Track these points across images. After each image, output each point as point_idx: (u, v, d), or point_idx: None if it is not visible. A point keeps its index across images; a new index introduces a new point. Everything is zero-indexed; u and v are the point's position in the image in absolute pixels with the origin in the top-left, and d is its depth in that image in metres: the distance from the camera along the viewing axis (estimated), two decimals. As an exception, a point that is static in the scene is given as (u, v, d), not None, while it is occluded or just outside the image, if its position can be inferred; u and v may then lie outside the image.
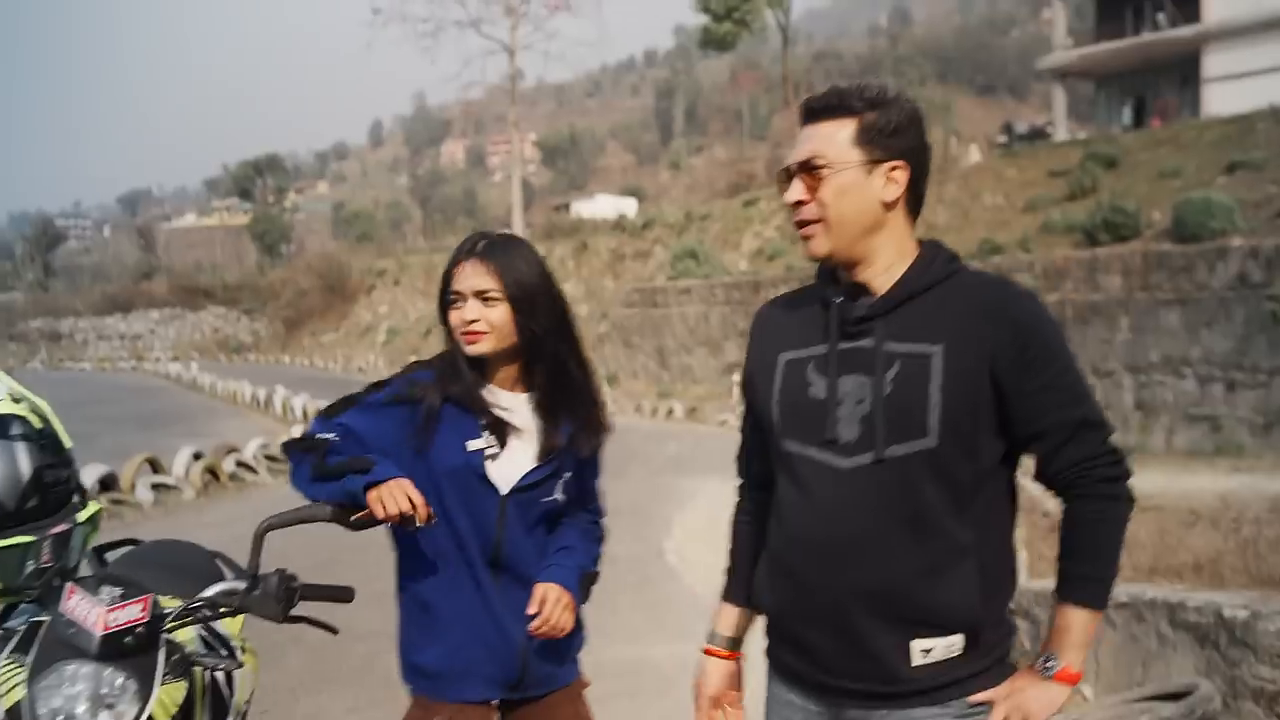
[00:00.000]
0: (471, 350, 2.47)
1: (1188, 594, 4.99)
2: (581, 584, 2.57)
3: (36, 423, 2.30)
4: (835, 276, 2.15)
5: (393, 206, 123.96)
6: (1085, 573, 2.04)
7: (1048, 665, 2.02)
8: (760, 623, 2.28)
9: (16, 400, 2.31)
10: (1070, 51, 39.01)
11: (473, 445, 2.50)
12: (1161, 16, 36.46)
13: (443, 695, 2.52)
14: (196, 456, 14.25)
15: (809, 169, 2.06)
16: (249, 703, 2.63)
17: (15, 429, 2.24)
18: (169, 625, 2.24)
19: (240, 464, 14.83)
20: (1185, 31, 34.73)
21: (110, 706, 2.07)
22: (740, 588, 2.32)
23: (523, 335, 2.48)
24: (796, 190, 2.08)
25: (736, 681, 2.30)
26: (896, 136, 2.05)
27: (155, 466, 13.76)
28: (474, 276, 2.47)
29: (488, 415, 2.51)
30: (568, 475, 2.59)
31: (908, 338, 2.02)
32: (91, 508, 2.35)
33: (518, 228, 59.95)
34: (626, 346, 32.51)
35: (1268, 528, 6.29)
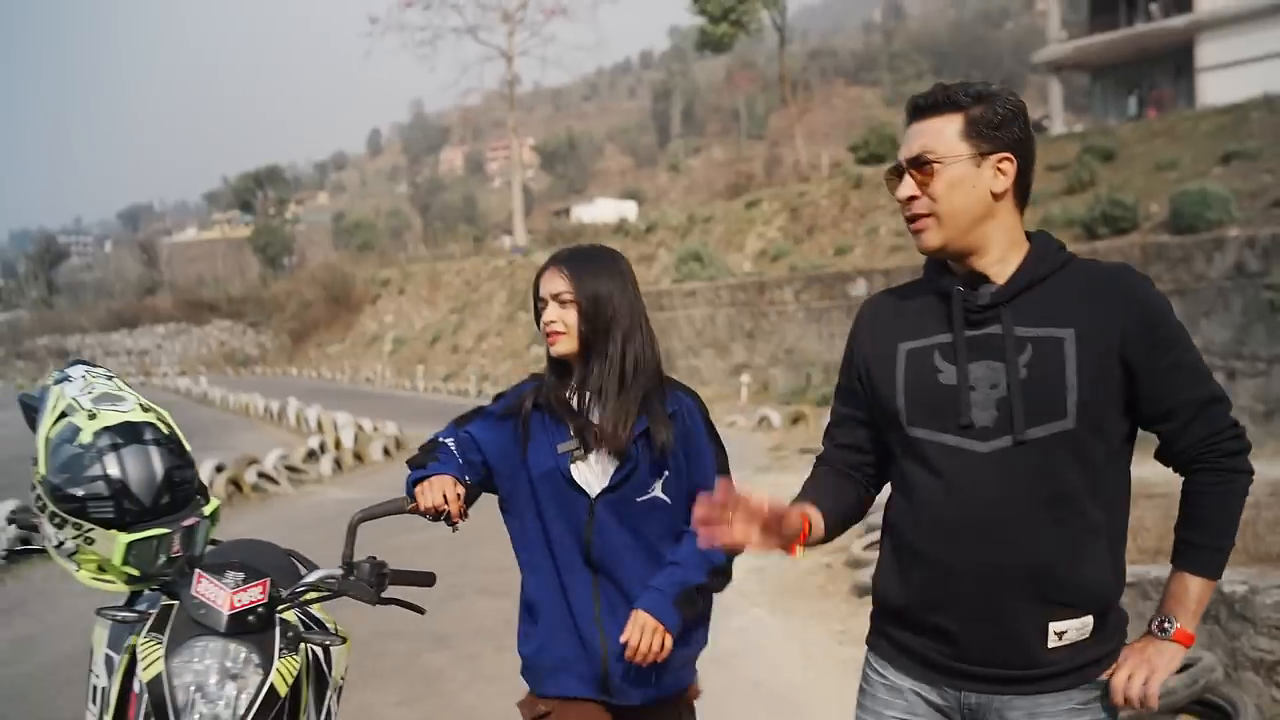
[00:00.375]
0: (554, 350, 2.63)
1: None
2: (680, 602, 2.58)
3: (164, 429, 2.57)
4: (946, 268, 2.21)
5: (393, 215, 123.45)
6: (1206, 542, 2.09)
7: (1164, 627, 2.08)
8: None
9: (146, 409, 2.59)
10: (1065, 44, 39.10)
11: (562, 449, 2.62)
12: (1154, 7, 36.86)
13: (542, 688, 2.66)
14: (219, 469, 14.49)
15: (919, 164, 2.12)
16: (344, 678, 2.89)
17: (148, 434, 2.50)
18: (282, 606, 2.53)
19: (262, 475, 15.04)
20: (1178, 21, 35.03)
21: (235, 678, 2.33)
22: (807, 494, 2.28)
23: (585, 337, 2.61)
24: (909, 186, 2.14)
25: (782, 524, 2.07)
26: (1002, 129, 2.10)
27: (179, 480, 14.01)
28: (551, 281, 2.63)
29: (572, 418, 2.62)
30: (666, 475, 2.63)
31: (1036, 323, 2.07)
32: (213, 504, 2.63)
33: (519, 233, 60.25)
34: (633, 349, 32.08)
35: (1266, 510, 6.49)
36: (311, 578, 2.60)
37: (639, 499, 2.61)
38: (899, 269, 22.84)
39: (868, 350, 2.27)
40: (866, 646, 2.31)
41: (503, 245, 66.52)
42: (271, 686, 2.36)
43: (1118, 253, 17.47)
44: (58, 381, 2.64)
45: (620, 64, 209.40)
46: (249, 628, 2.40)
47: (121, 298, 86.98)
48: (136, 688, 2.39)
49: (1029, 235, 2.18)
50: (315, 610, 2.93)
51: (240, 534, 9.73)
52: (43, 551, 2.59)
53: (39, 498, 2.45)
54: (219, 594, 2.39)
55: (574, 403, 2.66)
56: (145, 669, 2.32)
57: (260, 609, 2.42)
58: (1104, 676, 2.09)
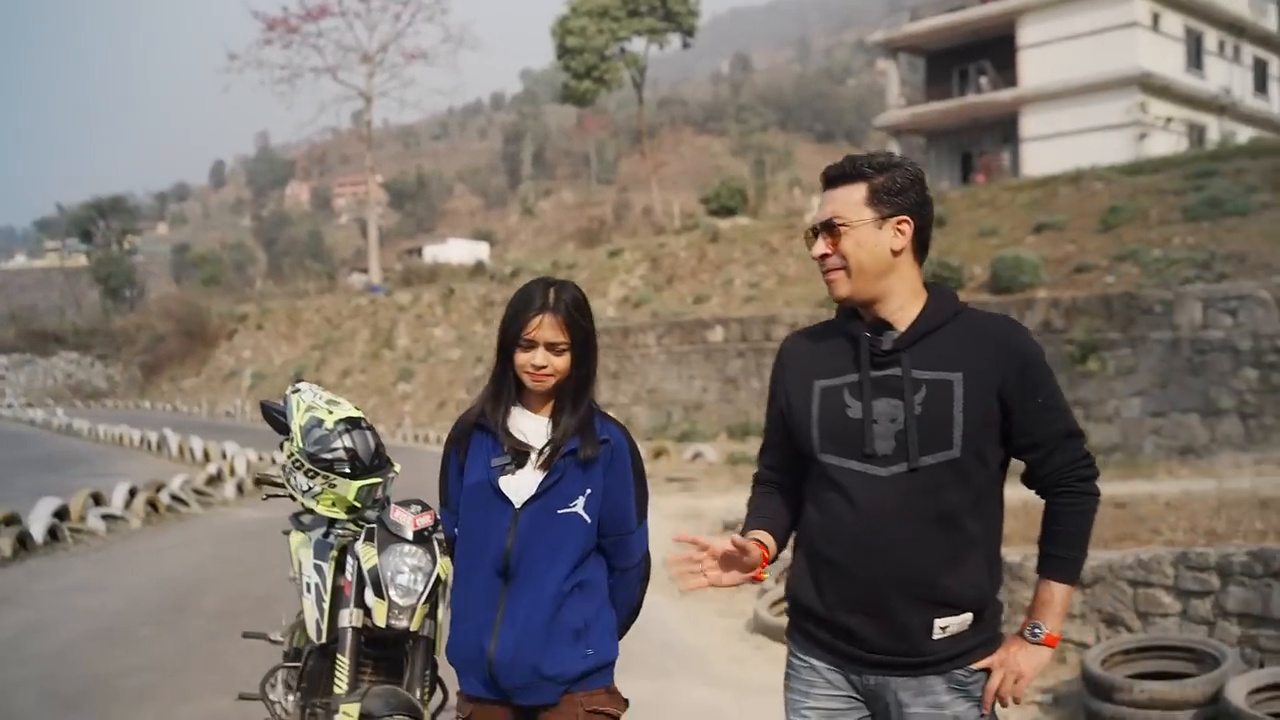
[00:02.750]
0: (537, 387, 2.81)
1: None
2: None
3: (368, 421, 4.16)
4: (855, 314, 2.49)
5: (236, 248, 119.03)
6: (1065, 554, 2.39)
7: (1034, 632, 2.37)
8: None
9: (357, 409, 4.17)
10: (902, 110, 41.20)
11: (495, 462, 2.82)
12: (984, 80, 39.05)
13: (460, 684, 2.90)
14: (132, 492, 15.50)
15: (830, 227, 2.41)
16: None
17: (364, 423, 4.09)
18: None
19: (174, 497, 16.15)
20: (1004, 95, 37.43)
21: (417, 569, 3.84)
22: (759, 520, 2.61)
23: (573, 374, 2.83)
24: (821, 246, 2.44)
25: (741, 562, 2.45)
26: (901, 195, 2.38)
27: (97, 500, 15.06)
28: (549, 330, 2.75)
29: (507, 437, 2.82)
30: (588, 492, 2.79)
31: (930, 366, 2.34)
32: (396, 467, 4.20)
33: (374, 272, 60.13)
34: (497, 388, 32.33)
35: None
36: None
37: (560, 511, 2.76)
38: (752, 317, 24.38)
39: (789, 387, 2.55)
40: (787, 638, 2.61)
41: (353, 283, 65.96)
42: (437, 575, 3.89)
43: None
44: (293, 392, 4.20)
45: (471, 105, 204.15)
46: (423, 539, 3.88)
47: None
48: (348, 576, 3.93)
49: (927, 286, 2.48)
50: None
51: (175, 545, 11.33)
52: (290, 497, 4.15)
53: (297, 461, 3.99)
54: (406, 517, 3.91)
55: (515, 426, 2.87)
56: (365, 562, 3.84)
57: (429, 529, 3.95)
58: (980, 665, 2.38)
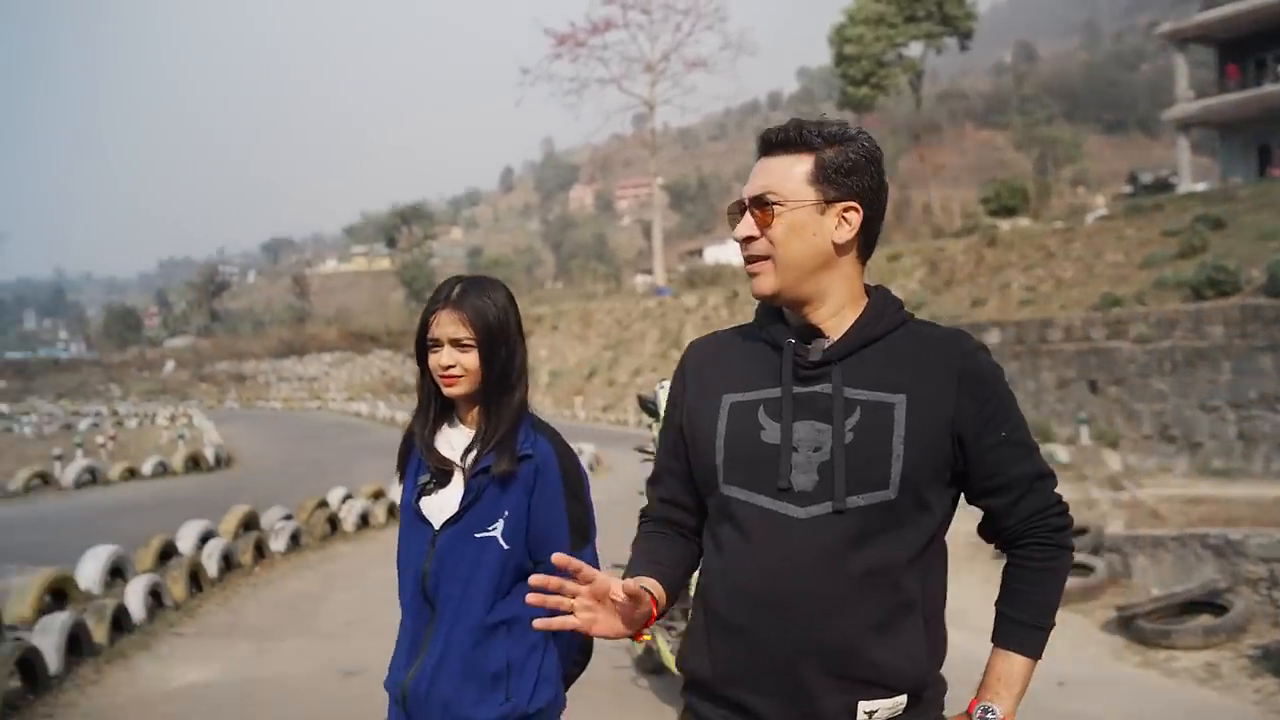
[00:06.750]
0: (450, 392, 2.56)
1: (1210, 530, 8.47)
2: None
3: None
4: (782, 317, 2.06)
5: (525, 251, 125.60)
6: (1030, 621, 1.99)
7: (986, 717, 1.96)
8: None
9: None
10: (1192, 104, 39.89)
11: (420, 481, 2.61)
12: None
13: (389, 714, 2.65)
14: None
15: (761, 204, 1.96)
16: None
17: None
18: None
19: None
20: None
21: None
22: (647, 564, 2.10)
23: (485, 375, 2.55)
24: (747, 225, 1.99)
25: (625, 613, 1.90)
26: (853, 176, 1.95)
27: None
28: (449, 325, 2.53)
29: (432, 456, 2.59)
30: (506, 514, 2.52)
31: (868, 385, 1.92)
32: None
33: (658, 274, 62.34)
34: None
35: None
36: None
37: (478, 534, 2.52)
38: (1028, 321, 24.73)
39: (691, 400, 2.11)
40: None
41: (637, 285, 68.51)
42: None
43: (1220, 312, 19.50)
44: (660, 387, 5.91)
45: (749, 104, 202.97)
46: None
47: (273, 327, 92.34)
48: None
49: (868, 290, 2.05)
50: None
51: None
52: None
53: None
54: None
55: (444, 439, 2.66)
56: None
57: None
58: None
